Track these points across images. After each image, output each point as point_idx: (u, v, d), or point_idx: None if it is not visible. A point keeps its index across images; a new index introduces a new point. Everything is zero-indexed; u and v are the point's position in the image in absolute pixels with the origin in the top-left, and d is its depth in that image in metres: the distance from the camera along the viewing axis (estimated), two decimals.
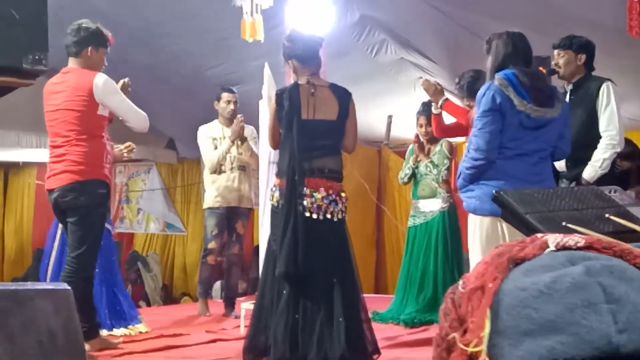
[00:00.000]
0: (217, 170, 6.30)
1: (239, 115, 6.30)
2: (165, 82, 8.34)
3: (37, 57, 1.93)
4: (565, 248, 0.73)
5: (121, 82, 4.98)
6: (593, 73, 4.85)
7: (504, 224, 3.56)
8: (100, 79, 4.40)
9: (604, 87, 4.63)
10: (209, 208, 6.38)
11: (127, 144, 5.66)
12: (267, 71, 5.45)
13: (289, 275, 4.01)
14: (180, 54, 7.69)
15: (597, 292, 0.66)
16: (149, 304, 9.48)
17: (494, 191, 2.65)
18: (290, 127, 4.12)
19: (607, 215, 2.38)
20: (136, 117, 4.54)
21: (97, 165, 4.44)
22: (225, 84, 7.94)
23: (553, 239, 0.74)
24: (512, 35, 3.76)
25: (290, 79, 4.44)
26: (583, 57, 4.77)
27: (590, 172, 4.52)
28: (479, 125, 3.66)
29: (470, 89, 5.03)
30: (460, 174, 3.83)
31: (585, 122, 4.59)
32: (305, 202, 4.06)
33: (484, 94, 3.64)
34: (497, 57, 3.72)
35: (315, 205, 4.09)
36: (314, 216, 4.09)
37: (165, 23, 7.20)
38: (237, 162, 6.34)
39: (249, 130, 6.45)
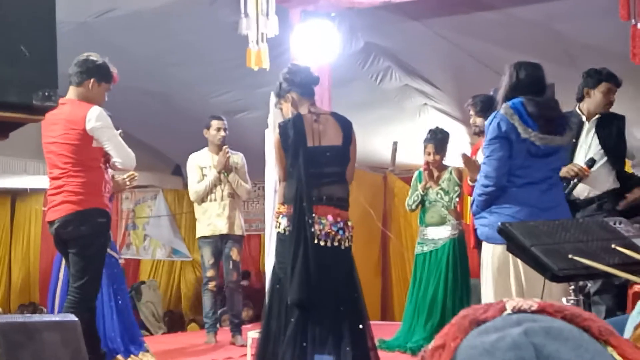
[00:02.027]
0: (203, 200, 6.36)
1: (224, 147, 6.33)
2: (172, 109, 8.40)
3: (47, 94, 1.96)
4: (521, 311, 0.80)
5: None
6: None
7: None
8: (93, 113, 4.37)
9: (625, 122, 4.90)
10: (202, 237, 6.42)
11: (130, 173, 5.68)
12: (272, 100, 5.48)
13: (302, 303, 4.00)
14: (187, 81, 7.75)
15: (530, 351, 0.74)
16: (147, 332, 9.45)
17: (499, 223, 2.65)
18: (296, 155, 4.13)
19: (613, 246, 2.39)
20: (124, 155, 4.51)
21: (95, 194, 4.43)
22: (231, 111, 8.00)
23: (511, 304, 0.81)
24: (524, 65, 3.81)
25: (287, 116, 4.42)
26: (606, 89, 4.94)
27: None
28: (487, 153, 3.72)
29: (484, 104, 5.13)
30: (473, 200, 3.87)
31: (617, 154, 4.81)
32: (313, 229, 4.07)
33: (490, 122, 3.70)
34: (508, 86, 3.77)
35: (323, 233, 4.09)
36: (322, 243, 4.09)
37: (172, 52, 7.27)
38: (227, 190, 6.37)
39: (238, 158, 6.49)
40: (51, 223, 4.49)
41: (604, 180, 4.76)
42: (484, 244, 3.81)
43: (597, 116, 4.87)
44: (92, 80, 4.47)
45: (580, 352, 0.73)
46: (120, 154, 4.47)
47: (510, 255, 3.61)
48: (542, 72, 3.83)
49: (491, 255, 3.74)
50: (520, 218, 3.38)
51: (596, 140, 4.75)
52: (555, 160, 3.73)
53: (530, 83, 3.74)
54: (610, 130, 4.83)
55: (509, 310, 0.81)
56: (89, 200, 4.39)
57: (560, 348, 0.73)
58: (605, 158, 4.77)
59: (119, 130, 4.94)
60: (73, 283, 4.43)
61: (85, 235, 4.39)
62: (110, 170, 5.53)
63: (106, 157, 4.55)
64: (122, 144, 4.53)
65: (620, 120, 4.87)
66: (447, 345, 0.81)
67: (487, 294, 3.78)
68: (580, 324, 0.78)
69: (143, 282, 10.31)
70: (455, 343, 0.80)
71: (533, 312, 0.80)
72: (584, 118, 4.88)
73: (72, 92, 4.47)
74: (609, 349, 0.76)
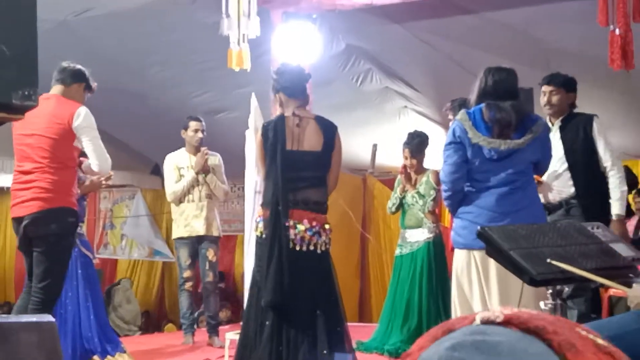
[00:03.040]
0: (180, 200, 6.34)
1: (203, 148, 6.32)
2: (151, 109, 8.36)
3: (26, 93, 1.94)
4: (489, 322, 0.81)
5: None
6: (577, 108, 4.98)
7: (477, 258, 3.62)
8: (82, 111, 4.41)
9: (595, 123, 4.77)
10: (179, 238, 6.40)
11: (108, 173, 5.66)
12: (253, 101, 5.48)
13: (275, 305, 4.00)
14: (167, 81, 7.72)
15: None
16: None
17: (478, 227, 2.67)
18: (274, 158, 4.13)
19: (548, 260, 2.39)
20: (102, 159, 4.52)
21: (66, 193, 4.39)
22: (212, 111, 7.98)
23: (480, 316, 0.82)
24: (494, 70, 3.85)
25: (276, 110, 4.46)
26: (572, 96, 4.90)
27: (619, 207, 4.69)
28: (443, 158, 3.81)
29: (462, 108, 5.16)
30: None
31: (591, 157, 4.74)
32: (289, 234, 4.06)
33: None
34: (478, 91, 3.82)
35: (298, 237, 4.09)
36: (297, 248, 4.09)
37: (152, 51, 7.24)
38: (205, 191, 6.36)
39: (215, 159, 6.48)
40: (18, 220, 4.40)
41: (564, 186, 4.77)
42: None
43: (560, 118, 4.88)
44: (82, 85, 4.61)
45: None
46: (99, 157, 4.48)
47: (472, 259, 3.67)
48: (514, 76, 3.86)
49: (455, 259, 3.82)
50: (480, 222, 3.40)
51: (560, 144, 4.77)
52: (516, 163, 3.74)
53: (498, 88, 3.78)
54: (574, 132, 4.81)
55: (477, 322, 0.81)
56: (60, 199, 4.35)
57: None
58: (566, 164, 4.77)
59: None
60: (37, 283, 4.35)
61: (54, 234, 4.34)
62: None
63: (79, 160, 4.57)
64: (102, 147, 4.54)
65: (587, 120, 4.82)
66: (412, 354, 0.82)
67: (452, 297, 3.85)
68: (542, 336, 0.78)
69: (117, 283, 10.24)
70: (420, 352, 0.81)
71: (499, 323, 0.80)
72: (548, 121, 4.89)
73: (57, 90, 4.53)
74: None
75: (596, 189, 4.74)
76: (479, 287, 3.67)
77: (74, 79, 4.57)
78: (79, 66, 4.63)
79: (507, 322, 0.80)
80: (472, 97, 3.87)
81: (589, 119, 4.82)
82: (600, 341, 0.80)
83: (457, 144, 3.73)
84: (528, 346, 0.77)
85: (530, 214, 3.69)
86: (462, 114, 3.78)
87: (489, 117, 3.70)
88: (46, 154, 4.35)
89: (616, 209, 4.68)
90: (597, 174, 4.74)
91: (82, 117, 4.39)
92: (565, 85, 4.91)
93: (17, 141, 4.48)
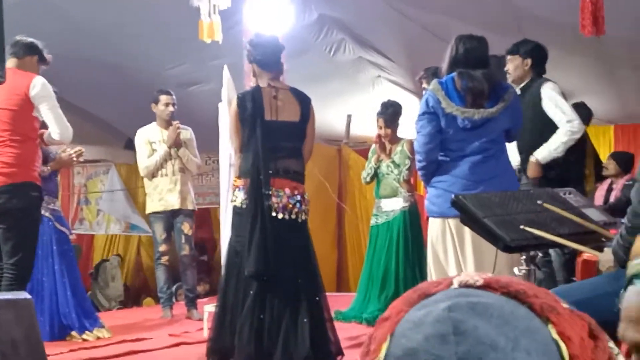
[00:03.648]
0: (153, 175, 6.32)
1: (175, 122, 6.29)
2: (124, 82, 8.28)
3: None
4: (467, 286, 0.82)
5: None
6: (547, 74, 4.98)
7: (452, 226, 3.65)
8: (38, 80, 4.37)
9: (543, 88, 4.78)
10: (154, 213, 6.39)
11: (77, 148, 5.62)
12: (226, 74, 5.45)
13: (260, 275, 4.01)
14: (140, 54, 7.64)
15: (448, 325, 0.76)
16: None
17: (452, 195, 2.69)
18: (254, 128, 4.12)
19: (521, 227, 2.42)
20: (63, 127, 4.47)
21: (28, 167, 4.35)
22: (184, 83, 7.92)
23: (457, 279, 0.83)
24: (464, 38, 3.85)
25: (250, 79, 4.45)
26: (529, 61, 4.91)
27: (544, 152, 4.69)
28: (417, 129, 3.83)
29: (436, 77, 5.15)
30: None
31: (536, 125, 4.74)
32: (270, 202, 4.07)
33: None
34: (449, 60, 3.82)
35: (281, 205, 4.10)
36: (280, 216, 4.10)
37: (125, 24, 7.15)
38: (178, 165, 6.34)
39: (187, 133, 6.45)
40: None
41: (512, 156, 4.78)
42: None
43: (520, 86, 4.90)
44: (35, 57, 4.55)
45: (505, 330, 0.74)
46: (60, 125, 4.44)
47: (447, 228, 3.71)
48: (484, 44, 3.86)
49: (430, 228, 3.85)
50: (455, 191, 3.43)
51: None
52: (489, 132, 3.76)
53: (469, 57, 3.78)
54: (527, 100, 4.77)
55: (455, 285, 0.82)
56: (23, 174, 4.31)
57: (480, 324, 0.75)
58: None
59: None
60: (8, 260, 4.31)
61: (18, 209, 4.30)
62: (55, 147, 5.46)
63: (40, 132, 4.52)
64: (62, 116, 4.49)
65: (538, 85, 4.82)
66: (391, 317, 0.83)
67: (428, 265, 3.88)
68: (523, 300, 0.79)
69: (106, 260, 10.21)
70: (398, 316, 0.82)
71: (478, 287, 0.81)
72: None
73: (12, 63, 4.47)
74: (549, 326, 0.78)
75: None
76: (454, 255, 3.71)
77: (27, 52, 4.51)
78: (31, 39, 4.57)
79: (486, 286, 0.81)
80: (444, 66, 3.88)
81: (539, 84, 4.84)
82: (566, 305, 0.82)
83: (431, 114, 3.74)
84: (514, 308, 0.78)
85: (504, 181, 3.72)
86: (434, 83, 3.78)
87: (462, 86, 3.71)
88: (7, 126, 4.31)
89: (539, 152, 4.68)
90: (545, 141, 4.72)
91: (40, 87, 4.35)
92: (519, 51, 4.93)
93: None
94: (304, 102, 4.28)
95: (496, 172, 3.75)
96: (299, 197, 4.17)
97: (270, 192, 4.08)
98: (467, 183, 3.67)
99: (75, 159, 5.56)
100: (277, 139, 4.15)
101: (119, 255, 10.41)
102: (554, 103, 4.74)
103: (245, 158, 4.18)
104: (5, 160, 4.28)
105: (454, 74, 3.76)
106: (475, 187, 3.61)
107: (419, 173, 3.95)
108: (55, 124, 4.42)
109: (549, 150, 4.68)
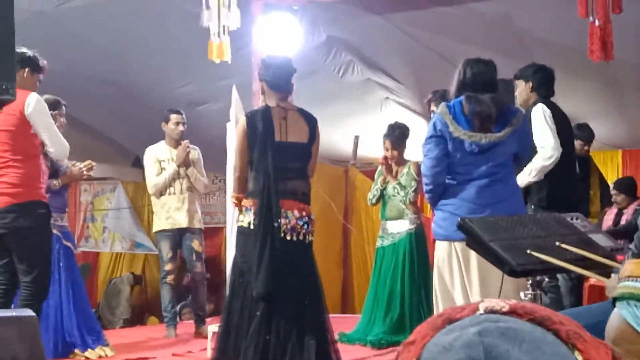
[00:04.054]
0: (161, 193, 6.32)
1: (184, 142, 6.31)
2: (132, 101, 8.31)
3: (4, 87, 1.93)
4: (493, 312, 0.82)
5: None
6: (556, 98, 4.98)
7: (458, 249, 3.64)
8: (32, 98, 4.34)
9: (532, 111, 4.78)
10: (161, 231, 6.38)
11: (87, 162, 5.62)
12: (234, 94, 5.47)
13: (270, 297, 4.00)
14: (148, 73, 7.68)
15: (479, 350, 0.76)
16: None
17: (459, 219, 2.68)
18: (264, 149, 4.12)
19: (557, 243, 2.41)
20: (58, 145, 4.47)
21: (33, 186, 4.36)
22: (193, 103, 7.95)
23: (483, 305, 0.83)
24: (472, 62, 3.85)
25: (258, 99, 4.47)
26: (530, 84, 4.92)
27: (520, 178, 4.61)
28: (424, 152, 3.83)
29: (445, 100, 5.15)
30: None
31: (533, 148, 4.71)
32: (279, 223, 4.07)
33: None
34: (457, 84, 3.82)
35: (289, 227, 4.10)
36: (288, 237, 4.10)
37: (133, 42, 7.19)
38: (186, 184, 6.35)
39: (195, 153, 6.47)
40: None
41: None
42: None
43: (525, 110, 4.90)
44: (26, 69, 4.50)
45: (536, 355, 0.74)
46: (54, 143, 4.43)
47: (453, 251, 3.69)
48: (492, 68, 3.86)
49: (436, 250, 3.84)
50: (461, 214, 3.41)
51: None
52: (497, 156, 3.76)
53: (477, 81, 3.78)
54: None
55: (481, 311, 0.82)
56: (27, 193, 4.32)
57: (512, 349, 0.75)
58: None
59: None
60: (24, 278, 4.34)
61: (26, 228, 4.31)
62: (66, 161, 5.47)
63: (43, 147, 4.52)
64: (58, 133, 4.50)
65: (531, 108, 4.81)
66: (417, 341, 0.83)
67: (434, 288, 3.86)
68: (549, 327, 0.79)
69: (119, 276, 10.22)
70: (424, 341, 0.82)
71: (504, 313, 0.81)
72: None
73: None
74: (576, 352, 0.78)
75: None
76: (460, 278, 3.69)
77: (18, 67, 4.33)
78: (21, 49, 4.43)
79: (512, 312, 0.81)
80: (452, 89, 3.88)
81: (532, 107, 4.83)
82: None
83: (438, 137, 3.73)
84: (542, 335, 0.78)
85: (511, 205, 3.71)
86: (442, 107, 3.78)
87: (469, 110, 3.70)
88: (7, 147, 4.32)
89: (518, 177, 4.54)
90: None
91: (33, 105, 4.33)
92: (522, 75, 4.95)
93: None
94: (312, 123, 4.30)
95: (503, 196, 3.74)
96: (306, 219, 4.18)
97: (279, 214, 4.08)
98: (474, 207, 3.66)
99: (85, 172, 5.57)
100: (287, 159, 4.16)
101: (132, 273, 10.40)
102: (534, 126, 4.73)
103: (255, 179, 4.17)
104: (10, 181, 4.30)
105: (462, 97, 3.76)
106: (482, 211, 3.59)
107: (426, 196, 3.96)
108: (50, 143, 4.41)
109: (523, 176, 4.63)
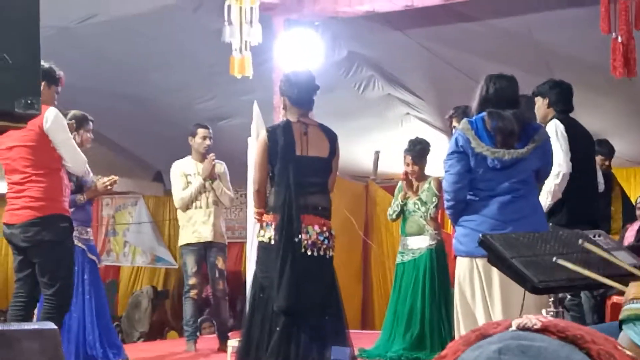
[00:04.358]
0: (188, 207, 6.34)
1: (210, 155, 6.32)
2: (153, 115, 8.38)
3: (29, 102, 1.95)
4: (525, 329, 0.82)
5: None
6: (576, 113, 4.95)
7: (480, 265, 3.61)
8: (51, 113, 4.36)
9: (547, 127, 4.74)
10: (186, 245, 6.39)
11: (111, 177, 5.65)
12: (256, 109, 5.49)
13: (290, 311, 4.00)
14: (170, 87, 7.74)
15: None
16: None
17: (480, 235, 2.67)
18: (285, 164, 4.14)
19: (554, 259, 2.38)
20: (75, 159, 4.49)
21: (56, 200, 4.39)
22: (214, 118, 7.99)
23: (517, 322, 0.84)
24: (495, 77, 3.83)
25: (279, 111, 4.48)
26: (547, 100, 4.88)
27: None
28: (445, 168, 3.80)
29: (467, 115, 5.11)
30: None
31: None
32: (300, 238, 4.08)
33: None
34: (479, 99, 3.81)
35: (310, 242, 4.10)
36: (309, 252, 4.10)
37: (155, 58, 7.26)
38: (212, 198, 6.37)
39: (221, 167, 6.48)
40: (8, 226, 4.41)
41: None
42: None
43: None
44: (43, 83, 4.46)
45: None
46: (72, 157, 4.46)
47: (474, 267, 3.66)
48: (515, 84, 3.85)
49: (457, 267, 3.82)
50: (483, 230, 3.39)
51: None
52: (519, 172, 3.73)
53: (499, 96, 3.76)
54: None
55: (513, 327, 0.83)
56: (50, 206, 4.35)
57: None
58: None
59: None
60: (46, 291, 4.37)
61: (48, 241, 4.34)
62: (91, 176, 5.52)
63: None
64: (75, 147, 4.52)
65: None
66: (447, 356, 0.84)
67: (455, 304, 3.84)
68: (581, 345, 0.79)
69: (141, 290, 10.28)
70: (455, 356, 0.82)
71: (536, 330, 0.81)
72: None
73: None
74: None
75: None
76: (482, 295, 3.66)
77: None
78: None
79: (544, 330, 0.81)
80: (473, 105, 3.86)
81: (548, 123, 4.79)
82: (628, 352, 0.80)
83: (460, 153, 3.72)
84: (569, 354, 0.78)
85: (532, 222, 3.68)
86: (464, 123, 3.76)
87: (492, 126, 3.69)
88: (28, 162, 4.36)
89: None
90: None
91: (52, 120, 4.34)
92: (540, 91, 4.92)
93: (0, 156, 4.48)
94: (332, 139, 4.30)
95: (525, 212, 3.72)
96: (327, 234, 4.18)
97: (300, 229, 4.08)
98: (496, 223, 3.63)
99: (109, 187, 5.61)
100: (307, 174, 4.16)
101: (154, 287, 10.44)
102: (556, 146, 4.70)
103: (277, 193, 4.18)
104: (33, 195, 4.34)
105: (484, 113, 3.74)
106: (504, 228, 3.57)
107: (447, 212, 3.92)
108: (68, 158, 4.44)
109: (542, 201, 4.48)
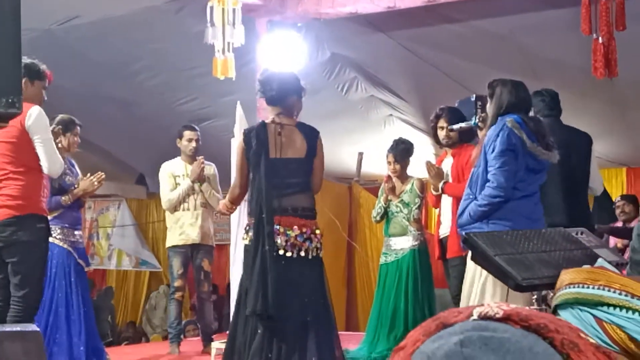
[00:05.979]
0: (175, 208, 6.31)
1: (199, 157, 6.30)
2: (136, 118, 8.35)
3: (10, 101, 1.94)
4: (487, 317, 0.79)
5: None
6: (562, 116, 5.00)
7: None
8: (34, 110, 4.27)
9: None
10: (173, 247, 6.36)
11: (98, 173, 5.59)
12: (239, 110, 5.48)
13: (257, 315, 3.98)
14: (153, 89, 7.71)
15: None
16: None
17: (463, 233, 2.68)
18: (257, 166, 4.12)
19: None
20: (52, 161, 4.39)
21: (34, 199, 4.30)
22: (197, 119, 7.97)
23: (478, 310, 0.81)
24: (515, 84, 3.90)
25: (262, 113, 4.48)
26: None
27: None
28: (497, 164, 3.73)
29: (454, 116, 5.11)
30: (463, 211, 3.88)
31: None
32: (278, 240, 4.05)
33: (498, 134, 3.74)
34: (501, 103, 3.84)
35: (289, 243, 4.07)
36: (288, 254, 4.07)
37: (137, 60, 7.23)
38: (200, 200, 6.34)
39: (211, 169, 6.46)
40: None
41: None
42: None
43: None
44: (24, 79, 4.33)
45: None
46: (49, 159, 4.36)
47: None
48: (528, 91, 3.97)
49: (467, 263, 3.83)
50: (520, 229, 3.45)
51: None
52: (543, 176, 3.87)
53: (520, 102, 3.84)
54: None
55: (474, 316, 0.80)
56: (27, 205, 4.27)
57: (491, 359, 0.73)
58: None
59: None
60: (16, 293, 4.27)
61: (24, 242, 4.27)
62: (69, 177, 5.47)
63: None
64: (54, 149, 4.43)
65: None
66: (407, 347, 0.82)
67: (462, 303, 3.86)
68: (544, 334, 0.77)
69: (157, 290, 10.25)
70: (414, 347, 0.80)
71: (498, 319, 0.79)
72: None
73: None
74: None
75: None
76: (476, 291, 3.71)
77: None
78: None
79: (506, 319, 0.79)
80: (491, 108, 3.88)
81: None
82: (593, 341, 0.79)
83: (512, 151, 3.73)
84: (533, 344, 0.75)
85: (542, 224, 3.80)
86: (513, 122, 3.74)
87: (532, 129, 3.75)
88: (8, 159, 4.29)
89: None
90: None
91: (34, 118, 4.26)
92: None
93: None
94: (311, 137, 4.25)
95: (541, 213, 3.85)
96: (308, 234, 4.14)
97: (278, 230, 4.05)
98: (528, 222, 3.67)
99: (96, 183, 5.54)
100: (284, 176, 4.13)
101: (168, 285, 10.41)
102: None
103: (252, 196, 4.18)
104: (10, 193, 4.26)
105: (520, 115, 3.78)
106: (532, 226, 3.58)
107: (482, 208, 3.79)
108: (45, 158, 4.34)
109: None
